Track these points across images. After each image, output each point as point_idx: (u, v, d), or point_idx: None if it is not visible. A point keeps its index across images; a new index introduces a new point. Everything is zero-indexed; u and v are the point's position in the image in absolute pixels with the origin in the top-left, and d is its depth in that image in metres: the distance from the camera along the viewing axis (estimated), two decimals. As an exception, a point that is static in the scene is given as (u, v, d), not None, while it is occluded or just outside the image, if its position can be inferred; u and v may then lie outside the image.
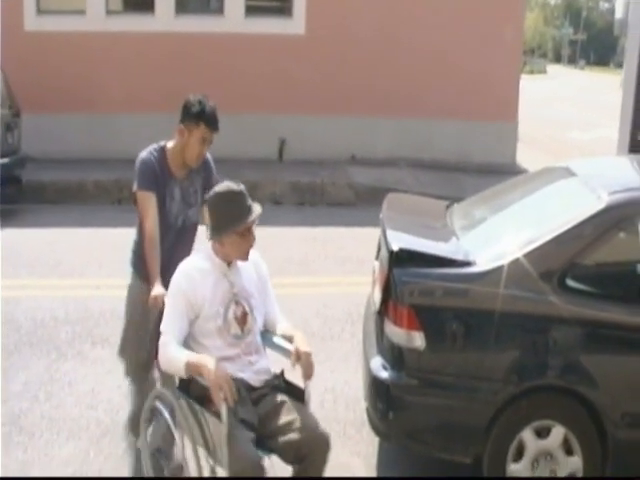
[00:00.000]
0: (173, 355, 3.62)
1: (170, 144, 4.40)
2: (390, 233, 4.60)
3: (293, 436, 3.59)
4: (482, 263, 4.27)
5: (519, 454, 4.16)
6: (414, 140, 13.48)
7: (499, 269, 4.21)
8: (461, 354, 4.20)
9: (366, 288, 5.27)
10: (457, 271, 4.25)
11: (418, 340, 4.15)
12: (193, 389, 3.68)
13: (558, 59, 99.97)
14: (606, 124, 16.48)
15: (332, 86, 13.22)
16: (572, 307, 4.19)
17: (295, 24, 13.35)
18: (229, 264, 3.85)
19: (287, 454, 3.60)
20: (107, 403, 5.27)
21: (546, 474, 4.16)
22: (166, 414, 3.73)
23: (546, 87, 41.79)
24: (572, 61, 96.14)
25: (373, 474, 4.64)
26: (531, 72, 51.09)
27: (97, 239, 9.07)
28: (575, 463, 4.13)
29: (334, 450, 4.63)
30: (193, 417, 3.66)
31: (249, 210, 3.77)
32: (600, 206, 4.36)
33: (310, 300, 7.25)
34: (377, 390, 4.31)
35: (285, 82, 13.11)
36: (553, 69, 60.21)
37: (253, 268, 3.97)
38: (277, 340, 3.96)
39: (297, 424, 3.61)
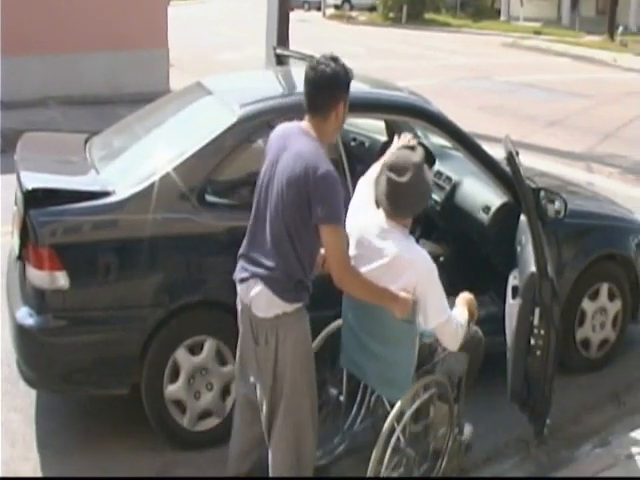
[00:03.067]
0: (460, 322, 3.64)
1: (313, 133, 3.34)
2: (24, 174, 4.37)
3: None
4: (121, 191, 4.17)
5: (176, 375, 4.18)
6: (62, 77, 12.87)
7: (137, 195, 4.15)
8: (109, 287, 4.10)
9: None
10: (95, 203, 4.12)
11: (61, 280, 3.99)
12: None
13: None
14: (257, 43, 16.83)
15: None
16: (215, 222, 4.24)
17: None
18: None
19: None
20: None
21: (202, 388, 4.23)
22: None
23: (200, 12, 41.84)
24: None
25: (32, 426, 4.44)
26: (184, -2, 50.79)
27: None
28: (229, 372, 4.19)
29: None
30: None
31: None
32: (233, 119, 4.40)
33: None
34: (24, 339, 4.10)
35: None
36: (206, -6, 60.41)
37: None
38: None
39: None
